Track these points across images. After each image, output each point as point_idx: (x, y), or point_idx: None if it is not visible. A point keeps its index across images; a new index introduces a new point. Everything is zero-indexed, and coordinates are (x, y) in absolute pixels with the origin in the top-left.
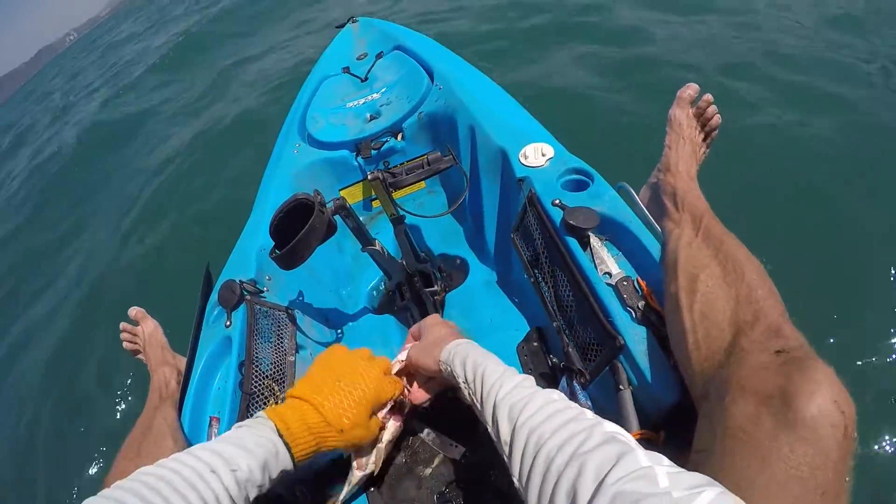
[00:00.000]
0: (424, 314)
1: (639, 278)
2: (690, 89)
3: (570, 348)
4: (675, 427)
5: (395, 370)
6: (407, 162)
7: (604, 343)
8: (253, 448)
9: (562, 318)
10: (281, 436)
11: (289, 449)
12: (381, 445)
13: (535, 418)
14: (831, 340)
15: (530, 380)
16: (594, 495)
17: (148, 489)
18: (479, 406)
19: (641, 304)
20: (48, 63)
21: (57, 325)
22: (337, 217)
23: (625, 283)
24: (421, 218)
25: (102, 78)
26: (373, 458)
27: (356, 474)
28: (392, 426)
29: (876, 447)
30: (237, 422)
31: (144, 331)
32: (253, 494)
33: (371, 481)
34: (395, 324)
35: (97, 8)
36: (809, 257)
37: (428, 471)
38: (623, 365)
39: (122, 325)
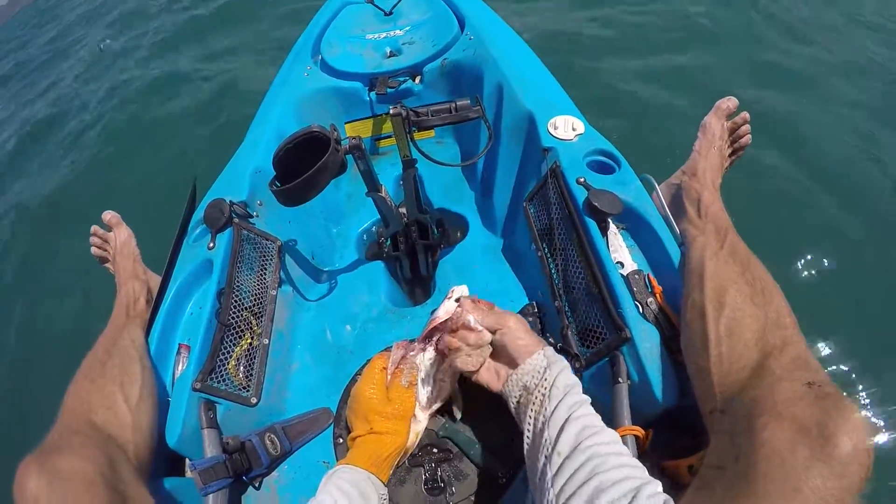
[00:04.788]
0: (415, 266)
1: (650, 275)
2: (731, 102)
3: (568, 331)
4: (661, 428)
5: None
6: (431, 105)
7: (609, 332)
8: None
9: (565, 298)
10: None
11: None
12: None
13: (603, 448)
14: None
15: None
16: None
17: None
18: (546, 407)
19: (651, 301)
20: None
21: (23, 226)
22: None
23: (636, 276)
24: (428, 166)
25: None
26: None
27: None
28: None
29: None
30: (209, 353)
31: (117, 238)
32: None
33: None
34: (384, 271)
35: None
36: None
37: None
38: (625, 358)
39: (94, 228)
